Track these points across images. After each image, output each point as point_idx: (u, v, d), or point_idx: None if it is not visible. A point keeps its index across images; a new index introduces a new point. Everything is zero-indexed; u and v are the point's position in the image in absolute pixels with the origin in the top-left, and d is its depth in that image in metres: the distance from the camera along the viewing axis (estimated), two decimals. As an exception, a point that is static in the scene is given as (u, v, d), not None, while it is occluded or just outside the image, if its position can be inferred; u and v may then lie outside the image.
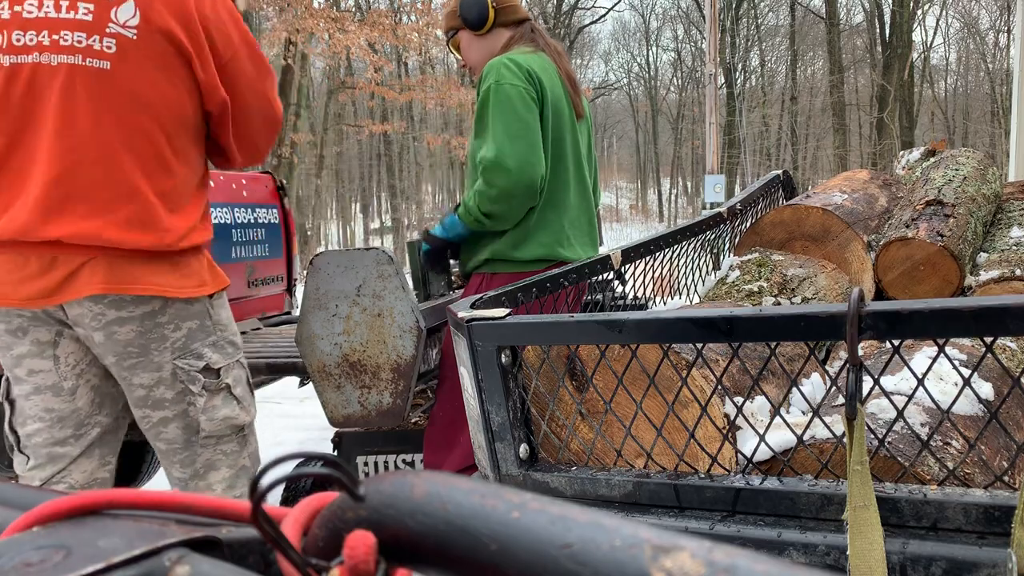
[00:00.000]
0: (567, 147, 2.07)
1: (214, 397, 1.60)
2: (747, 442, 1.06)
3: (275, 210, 3.44)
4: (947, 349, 0.89)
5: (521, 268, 2.01)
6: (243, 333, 3.02)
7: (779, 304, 1.65)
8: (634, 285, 1.95)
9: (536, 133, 1.94)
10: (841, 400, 1.16)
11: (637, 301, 2.03)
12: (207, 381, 1.59)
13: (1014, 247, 1.86)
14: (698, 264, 2.14)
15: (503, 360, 1.13)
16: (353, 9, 18.29)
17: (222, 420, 1.62)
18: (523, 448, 1.16)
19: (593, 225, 2.20)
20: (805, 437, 1.01)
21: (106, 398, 1.62)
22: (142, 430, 1.62)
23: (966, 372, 0.97)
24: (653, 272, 1.96)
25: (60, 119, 1.42)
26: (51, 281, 1.45)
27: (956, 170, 2.13)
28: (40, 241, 1.42)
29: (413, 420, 2.42)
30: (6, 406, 1.62)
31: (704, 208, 13.20)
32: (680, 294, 2.11)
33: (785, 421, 1.02)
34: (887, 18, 23.18)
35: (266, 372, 2.41)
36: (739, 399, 1.09)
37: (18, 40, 1.41)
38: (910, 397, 0.94)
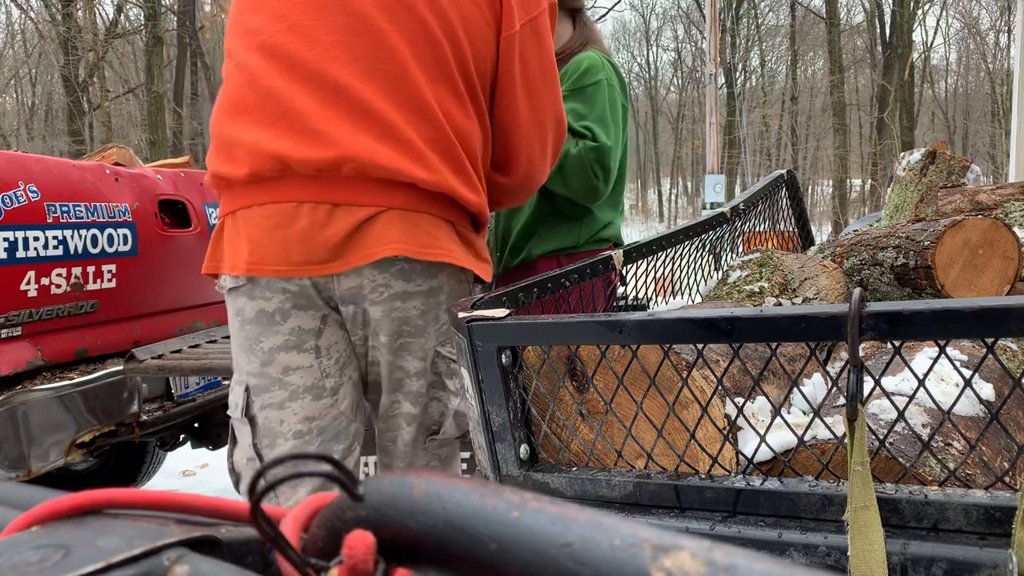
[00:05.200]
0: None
1: (459, 398, 1.38)
2: (748, 443, 1.06)
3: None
4: (948, 350, 0.89)
5: (592, 247, 2.07)
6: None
7: (780, 304, 1.65)
8: (635, 285, 1.95)
9: (622, 150, 2.01)
10: (842, 400, 1.16)
11: (638, 301, 2.03)
12: (457, 379, 1.34)
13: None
14: (700, 264, 2.14)
15: (503, 360, 1.13)
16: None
17: (460, 424, 1.40)
18: (523, 449, 1.16)
19: None
20: (806, 438, 1.01)
21: (360, 400, 1.39)
22: (377, 423, 1.40)
23: (967, 373, 0.97)
24: (655, 272, 1.96)
25: None
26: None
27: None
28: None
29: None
30: (242, 425, 1.33)
31: (704, 208, 13.20)
32: (682, 294, 2.11)
33: (786, 422, 1.02)
34: (887, 18, 23.19)
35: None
36: (740, 400, 1.09)
37: None
38: (911, 398, 0.94)
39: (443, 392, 1.40)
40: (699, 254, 2.14)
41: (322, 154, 1.22)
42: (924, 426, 1.02)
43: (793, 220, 2.71)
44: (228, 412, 1.37)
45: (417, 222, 1.26)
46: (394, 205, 1.25)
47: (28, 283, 2.32)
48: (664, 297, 2.14)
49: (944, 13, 27.62)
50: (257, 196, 1.26)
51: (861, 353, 0.85)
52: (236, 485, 1.38)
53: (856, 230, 2.11)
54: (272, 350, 1.30)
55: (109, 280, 2.61)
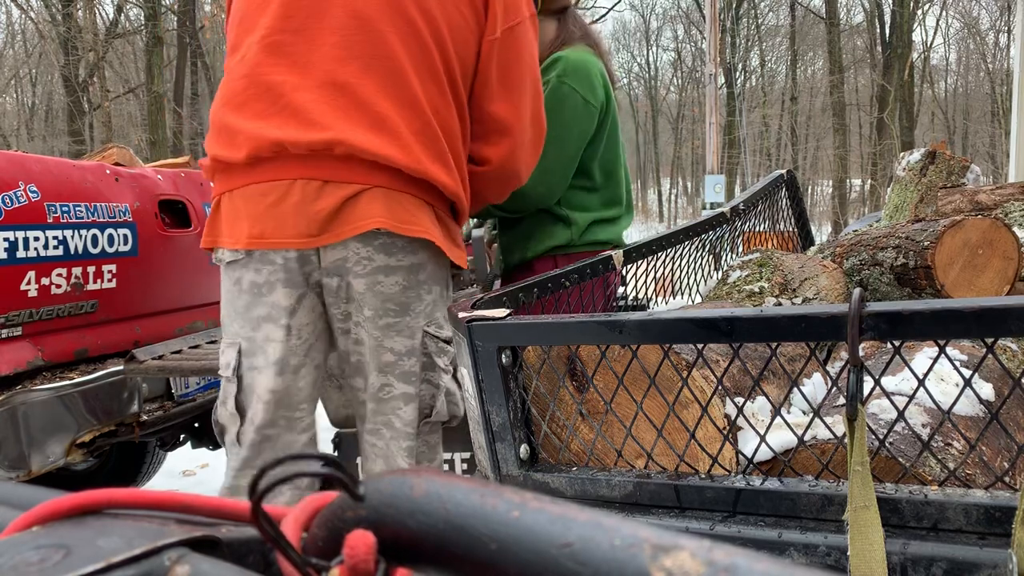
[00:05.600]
0: (622, 143, 2.10)
1: (450, 377, 1.46)
2: (748, 443, 1.06)
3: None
4: (948, 349, 0.89)
5: (591, 248, 2.02)
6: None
7: (780, 304, 1.65)
8: (635, 286, 1.95)
9: (569, 149, 1.90)
10: (842, 400, 1.16)
11: (638, 302, 2.03)
12: (451, 357, 1.45)
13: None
14: (700, 264, 2.14)
15: (504, 360, 1.13)
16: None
17: (452, 406, 1.47)
18: (523, 448, 1.16)
19: None
20: (806, 437, 1.01)
21: (320, 381, 1.48)
22: (365, 406, 1.45)
23: (967, 373, 0.97)
24: (655, 272, 1.96)
25: None
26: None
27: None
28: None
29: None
30: (229, 383, 1.42)
31: (704, 208, 13.20)
32: (682, 294, 2.11)
33: (786, 421, 1.02)
34: (887, 18, 23.19)
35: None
36: (740, 399, 1.09)
37: None
38: (911, 398, 0.94)
39: (434, 373, 1.45)
40: (699, 254, 2.14)
41: (316, 136, 1.33)
42: (924, 426, 1.02)
43: (793, 220, 2.71)
44: (219, 372, 1.46)
45: (399, 200, 1.37)
46: (379, 184, 1.35)
47: (28, 283, 2.32)
48: (664, 297, 2.14)
49: (944, 13, 27.63)
50: (255, 176, 1.36)
51: (861, 353, 0.85)
52: (220, 436, 1.46)
53: (856, 230, 2.11)
54: (259, 319, 1.40)
55: (109, 280, 2.61)
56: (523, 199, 1.89)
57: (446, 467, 2.43)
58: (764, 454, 1.04)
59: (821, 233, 19.80)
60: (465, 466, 2.40)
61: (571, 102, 1.87)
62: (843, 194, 24.47)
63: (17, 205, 2.28)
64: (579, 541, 0.24)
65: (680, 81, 35.09)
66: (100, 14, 20.90)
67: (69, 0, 18.51)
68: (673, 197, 36.36)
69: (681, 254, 2.06)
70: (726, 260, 2.28)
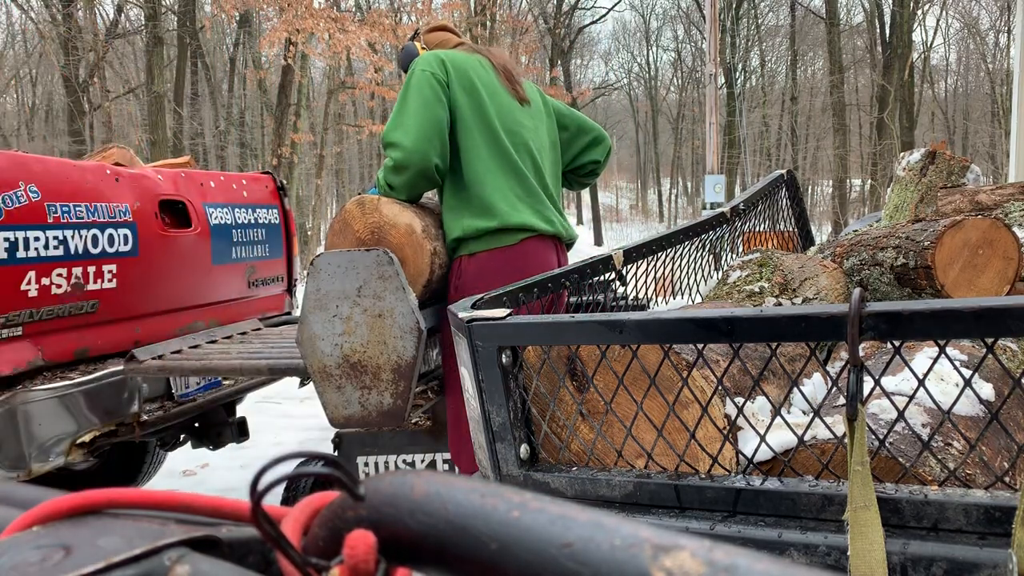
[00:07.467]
0: (498, 128, 2.20)
1: None
2: (748, 442, 1.06)
3: (275, 210, 3.44)
4: (948, 349, 0.89)
5: (501, 242, 2.13)
6: (243, 334, 3.03)
7: (780, 304, 1.65)
8: (635, 286, 1.95)
9: (430, 114, 2.12)
10: (842, 400, 1.16)
11: (637, 302, 2.03)
12: None
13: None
14: (700, 264, 2.14)
15: (504, 360, 1.13)
16: (353, 9, 18.31)
17: None
18: (524, 448, 1.16)
19: (556, 201, 2.35)
20: (806, 437, 1.01)
21: None
22: None
23: (967, 373, 0.97)
24: (655, 272, 1.96)
25: None
26: None
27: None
28: None
29: (413, 421, 2.42)
30: None
31: (704, 208, 13.19)
32: (682, 294, 2.11)
33: (786, 421, 1.02)
34: (887, 18, 23.16)
35: (266, 373, 2.41)
36: (740, 399, 1.09)
37: None
38: (911, 398, 0.94)
39: None
40: (699, 254, 2.14)
41: None
42: (924, 426, 1.02)
43: (793, 220, 2.71)
44: None
45: None
46: None
47: (29, 283, 2.32)
48: (664, 297, 2.14)
49: (944, 13, 27.59)
50: None
51: (861, 353, 0.85)
52: None
53: (856, 230, 2.11)
54: None
55: (110, 280, 2.61)
56: (403, 170, 2.10)
57: (445, 467, 2.43)
58: (764, 454, 1.04)
59: (821, 233, 19.79)
60: (465, 466, 2.40)
61: (417, 76, 2.16)
62: (843, 194, 24.44)
63: (17, 205, 2.28)
64: (579, 541, 0.24)
65: (680, 81, 35.05)
66: (100, 14, 20.88)
67: (69, 0, 18.51)
68: (673, 197, 36.32)
69: (681, 254, 2.06)
70: (726, 260, 2.28)
